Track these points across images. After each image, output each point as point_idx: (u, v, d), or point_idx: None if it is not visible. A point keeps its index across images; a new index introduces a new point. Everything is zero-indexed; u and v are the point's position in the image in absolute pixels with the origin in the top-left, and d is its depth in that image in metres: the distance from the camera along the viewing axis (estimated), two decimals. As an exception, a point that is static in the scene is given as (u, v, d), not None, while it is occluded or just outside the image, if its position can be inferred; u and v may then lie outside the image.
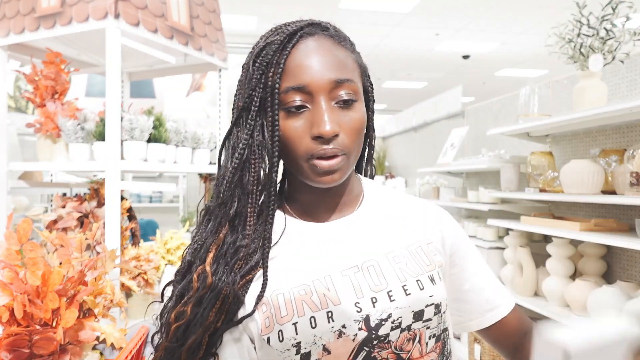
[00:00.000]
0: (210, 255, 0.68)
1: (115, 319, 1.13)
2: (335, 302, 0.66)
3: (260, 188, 0.70)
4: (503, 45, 7.15)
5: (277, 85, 0.67)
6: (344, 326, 0.65)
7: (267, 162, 0.70)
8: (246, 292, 0.68)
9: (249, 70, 0.70)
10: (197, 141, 1.97)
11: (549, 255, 2.37)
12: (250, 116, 0.69)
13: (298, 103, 0.67)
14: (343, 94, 0.68)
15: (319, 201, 0.76)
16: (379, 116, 12.01)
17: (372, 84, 0.79)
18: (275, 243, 0.71)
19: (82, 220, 1.75)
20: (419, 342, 0.68)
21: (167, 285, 0.73)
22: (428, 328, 0.69)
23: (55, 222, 1.75)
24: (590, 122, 2.25)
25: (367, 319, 0.66)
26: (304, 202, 0.77)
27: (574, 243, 2.31)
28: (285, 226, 0.74)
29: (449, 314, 0.75)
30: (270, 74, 0.67)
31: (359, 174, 0.84)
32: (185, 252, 0.73)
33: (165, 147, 1.80)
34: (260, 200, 0.71)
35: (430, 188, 4.03)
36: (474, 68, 8.40)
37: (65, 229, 1.74)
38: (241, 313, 0.68)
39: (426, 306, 0.69)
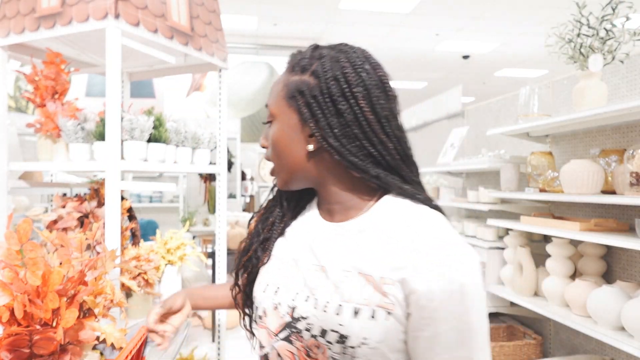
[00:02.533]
0: (256, 218, 0.95)
1: (115, 319, 1.13)
2: (284, 284, 0.82)
3: None
4: (503, 45, 7.15)
5: None
6: (279, 304, 0.80)
7: None
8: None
9: None
10: (197, 141, 1.97)
11: (549, 255, 2.37)
12: None
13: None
14: (268, 114, 0.85)
15: (319, 200, 0.90)
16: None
17: (308, 102, 0.77)
18: (292, 219, 0.92)
19: (82, 220, 1.75)
20: (323, 354, 0.73)
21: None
22: (329, 349, 0.72)
23: (55, 222, 1.75)
24: (590, 122, 2.25)
25: (294, 309, 0.78)
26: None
27: (574, 243, 2.32)
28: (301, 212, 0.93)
29: (370, 353, 0.70)
30: None
31: (386, 197, 0.79)
32: None
33: (165, 147, 1.80)
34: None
35: (430, 188, 4.03)
36: (474, 68, 8.39)
37: (65, 229, 1.74)
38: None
39: (331, 330, 0.71)
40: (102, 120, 1.63)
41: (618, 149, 2.19)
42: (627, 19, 2.05)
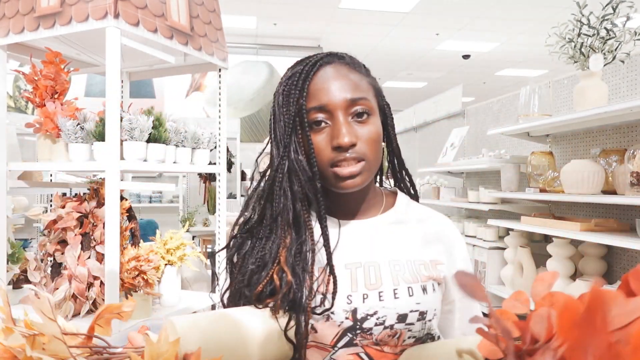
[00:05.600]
0: (283, 257, 0.78)
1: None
2: (330, 291, 0.77)
3: (308, 195, 0.79)
4: (503, 45, 7.15)
5: (303, 107, 0.78)
6: (332, 312, 0.76)
7: (308, 172, 0.78)
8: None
9: (279, 98, 0.82)
10: (197, 141, 1.97)
11: (550, 255, 2.37)
12: (285, 136, 0.79)
13: (319, 119, 0.78)
14: (358, 109, 0.78)
15: (339, 204, 0.85)
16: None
17: (388, 105, 0.88)
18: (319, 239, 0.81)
19: (82, 220, 1.75)
20: (398, 338, 0.77)
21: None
22: (409, 330, 0.77)
23: (55, 222, 1.75)
24: (590, 122, 2.24)
25: (354, 311, 0.76)
26: (326, 205, 0.83)
27: (575, 243, 2.31)
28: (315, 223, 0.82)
29: (436, 322, 0.82)
30: (296, 98, 0.78)
31: (395, 189, 0.93)
32: (234, 264, 0.83)
33: (165, 147, 1.79)
34: (314, 206, 0.80)
35: (430, 188, 4.02)
36: (474, 68, 8.39)
37: (64, 229, 1.73)
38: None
39: (410, 311, 0.77)
40: (102, 120, 1.63)
41: (619, 148, 2.19)
42: (628, 18, 2.04)
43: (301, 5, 5.70)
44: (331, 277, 0.77)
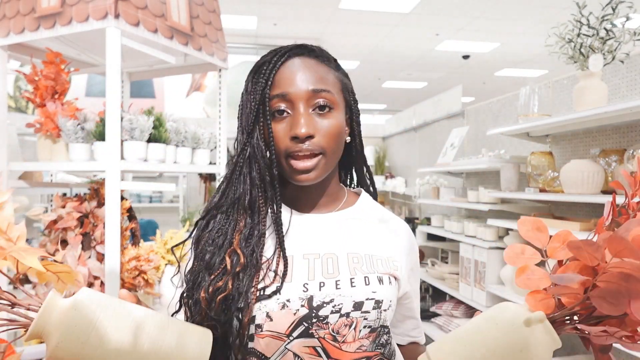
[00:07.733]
0: (236, 240, 0.79)
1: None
2: (287, 280, 0.78)
3: (265, 181, 0.81)
4: (503, 45, 7.15)
5: (267, 95, 0.80)
6: (288, 300, 0.76)
7: (267, 159, 0.81)
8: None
9: (248, 85, 0.84)
10: (197, 141, 1.97)
11: (549, 255, 2.37)
12: (249, 123, 0.81)
13: (281, 109, 0.80)
14: (320, 101, 0.80)
15: (299, 195, 0.88)
16: (379, 116, 12.00)
17: (356, 100, 0.90)
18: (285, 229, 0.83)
19: (82, 220, 1.75)
20: (354, 328, 0.78)
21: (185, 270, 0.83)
22: (365, 319, 0.78)
23: (55, 222, 1.75)
24: (590, 122, 2.25)
25: (310, 299, 0.77)
26: (286, 195, 0.87)
27: (574, 243, 2.31)
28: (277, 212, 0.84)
29: (391, 314, 0.84)
30: (262, 86, 0.80)
31: (360, 188, 0.96)
32: (198, 243, 0.82)
33: (165, 147, 1.80)
34: (269, 192, 0.82)
35: (430, 188, 4.03)
36: (474, 68, 8.40)
37: (65, 229, 1.74)
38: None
39: (367, 299, 0.79)
40: (102, 120, 1.63)
41: (618, 149, 2.19)
42: (627, 18, 2.05)
43: (301, 5, 5.70)
44: (281, 260, 0.79)
